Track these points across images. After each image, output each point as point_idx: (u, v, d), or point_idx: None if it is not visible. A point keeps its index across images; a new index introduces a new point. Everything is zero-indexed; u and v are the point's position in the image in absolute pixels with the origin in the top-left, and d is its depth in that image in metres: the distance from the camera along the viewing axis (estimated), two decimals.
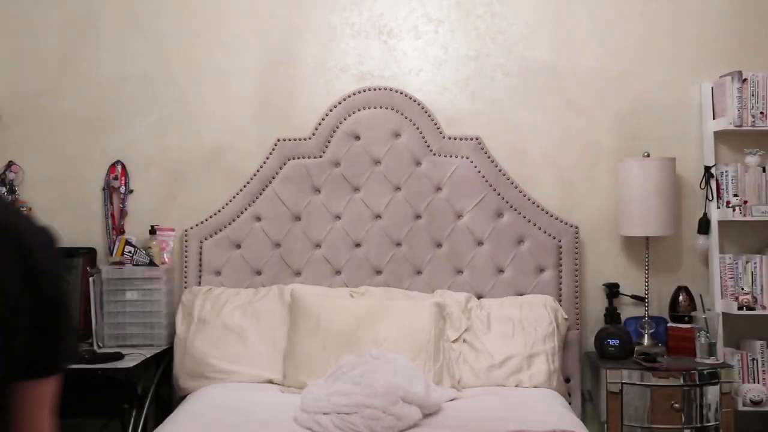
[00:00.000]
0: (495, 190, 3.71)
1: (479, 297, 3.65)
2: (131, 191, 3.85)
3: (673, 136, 3.78)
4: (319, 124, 3.76)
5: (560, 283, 3.67)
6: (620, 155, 3.73)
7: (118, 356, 3.31)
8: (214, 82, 3.87)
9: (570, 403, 3.44)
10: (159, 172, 3.87)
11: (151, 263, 3.63)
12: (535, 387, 3.32)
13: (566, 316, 3.59)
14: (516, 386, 3.32)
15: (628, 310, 3.76)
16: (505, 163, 3.75)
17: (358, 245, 3.73)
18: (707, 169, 3.69)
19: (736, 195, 3.60)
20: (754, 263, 3.60)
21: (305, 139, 3.76)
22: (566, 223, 3.70)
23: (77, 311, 3.59)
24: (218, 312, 3.51)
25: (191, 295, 3.62)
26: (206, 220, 3.77)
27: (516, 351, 3.39)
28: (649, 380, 3.36)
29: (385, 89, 3.76)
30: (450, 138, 3.74)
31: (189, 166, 3.86)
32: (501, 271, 3.70)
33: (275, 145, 3.77)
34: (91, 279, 3.50)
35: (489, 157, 3.73)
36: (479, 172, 3.72)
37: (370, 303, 3.40)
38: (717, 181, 3.65)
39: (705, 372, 3.38)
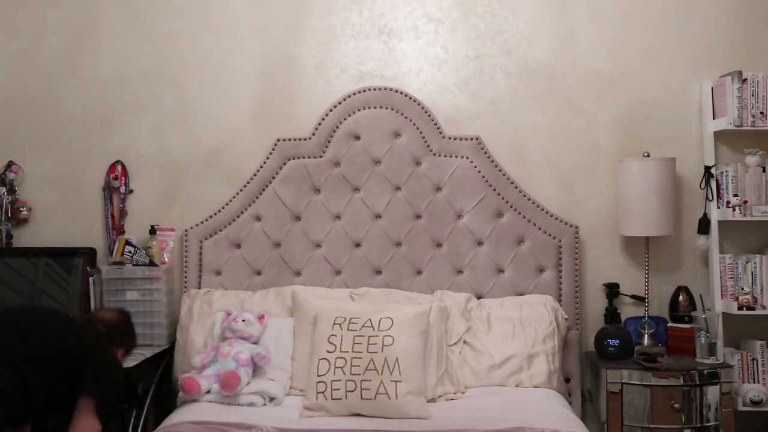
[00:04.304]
0: (495, 190, 3.71)
1: (479, 297, 3.65)
2: (131, 191, 3.85)
3: (673, 136, 3.78)
4: (319, 124, 3.76)
5: (560, 283, 3.67)
6: (620, 155, 3.73)
7: None
8: (214, 82, 3.87)
9: (570, 403, 3.44)
10: (159, 172, 3.88)
11: (151, 263, 3.64)
12: (535, 387, 3.33)
13: (566, 316, 3.60)
14: (516, 386, 3.32)
15: (628, 310, 3.76)
16: (505, 163, 3.75)
17: (358, 245, 3.73)
18: (707, 169, 3.69)
19: (736, 195, 3.60)
20: (754, 263, 3.60)
21: (305, 139, 3.76)
22: (566, 223, 3.70)
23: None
24: (217, 314, 3.50)
25: (190, 299, 3.62)
26: (206, 220, 3.77)
27: (516, 351, 3.39)
28: (649, 380, 3.36)
29: (385, 89, 3.76)
30: (450, 138, 3.74)
31: (189, 166, 3.86)
32: (501, 271, 3.70)
33: (275, 145, 3.77)
34: (91, 279, 3.51)
35: (489, 157, 3.73)
36: (479, 172, 3.72)
37: (371, 305, 3.39)
38: (717, 181, 3.65)
39: (705, 372, 3.38)
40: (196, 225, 3.77)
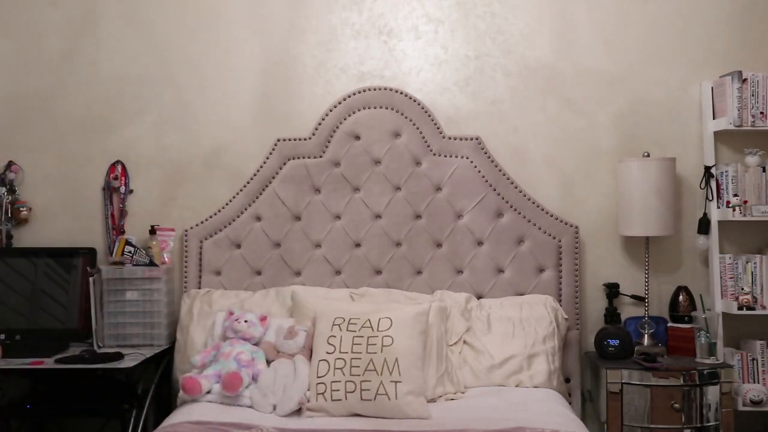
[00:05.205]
0: (495, 190, 3.71)
1: (479, 297, 3.65)
2: (131, 191, 3.85)
3: (673, 136, 3.78)
4: (319, 124, 3.76)
5: (560, 283, 3.67)
6: (620, 155, 3.74)
7: (118, 356, 3.31)
8: (214, 82, 3.87)
9: (570, 403, 3.44)
10: (159, 172, 3.88)
11: (151, 263, 3.63)
12: (535, 387, 3.33)
13: (566, 316, 3.60)
14: (516, 386, 3.32)
15: (628, 310, 3.76)
16: (505, 163, 3.75)
17: (358, 245, 3.73)
18: (707, 169, 3.69)
19: (736, 195, 3.60)
20: (754, 263, 3.60)
21: (305, 139, 3.76)
22: (566, 223, 3.71)
23: (77, 311, 3.60)
24: (217, 313, 3.50)
25: (190, 299, 3.62)
26: (206, 220, 3.77)
27: (516, 351, 3.39)
28: (649, 380, 3.36)
29: (385, 89, 3.76)
30: (450, 138, 3.74)
31: (189, 166, 3.86)
32: (501, 271, 3.70)
33: (275, 145, 3.77)
34: (91, 279, 3.50)
35: (489, 157, 3.73)
36: (479, 172, 3.72)
37: (371, 305, 3.39)
38: (717, 181, 3.65)
39: (705, 372, 3.38)
40: (196, 225, 3.77)
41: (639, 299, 3.71)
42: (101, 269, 3.61)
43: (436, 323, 3.32)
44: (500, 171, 3.72)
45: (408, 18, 3.85)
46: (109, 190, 3.84)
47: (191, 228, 3.77)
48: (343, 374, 3.05)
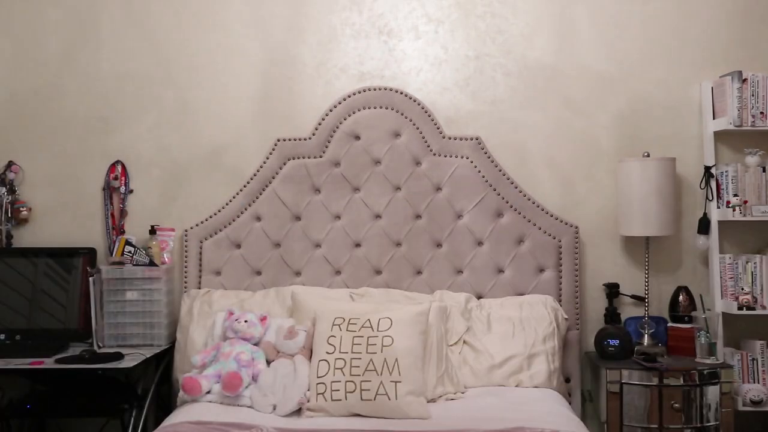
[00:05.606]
0: (495, 190, 3.71)
1: (479, 297, 3.65)
2: (131, 191, 3.85)
3: (673, 136, 3.78)
4: (319, 124, 3.76)
5: (560, 283, 3.67)
6: (620, 155, 3.74)
7: (118, 356, 3.31)
8: (214, 82, 3.87)
9: (570, 403, 3.44)
10: (159, 172, 3.88)
11: (151, 263, 3.64)
12: (535, 387, 3.33)
13: (566, 316, 3.60)
14: (516, 386, 3.32)
15: (628, 310, 3.76)
16: (505, 163, 3.75)
17: (358, 245, 3.73)
18: (707, 169, 3.69)
19: (736, 195, 3.60)
20: (754, 263, 3.60)
21: (305, 139, 3.76)
22: (566, 223, 3.71)
23: (77, 311, 3.60)
24: (217, 313, 3.50)
25: (190, 299, 3.62)
26: (206, 220, 3.77)
27: (516, 351, 3.39)
28: (649, 380, 3.36)
29: (385, 89, 3.76)
30: (450, 138, 3.74)
31: (189, 166, 3.86)
32: (501, 271, 3.70)
33: (275, 145, 3.77)
34: (91, 279, 3.50)
35: (489, 157, 3.73)
36: (479, 172, 3.72)
37: (370, 305, 3.39)
38: (717, 181, 3.65)
39: (705, 372, 3.38)
40: (196, 225, 3.77)
41: (639, 299, 3.71)
42: (101, 269, 3.61)
43: (436, 323, 3.32)
44: (500, 171, 3.72)
45: (408, 18, 3.85)
46: (109, 190, 3.84)
47: (191, 228, 3.77)
48: (343, 374, 3.05)
